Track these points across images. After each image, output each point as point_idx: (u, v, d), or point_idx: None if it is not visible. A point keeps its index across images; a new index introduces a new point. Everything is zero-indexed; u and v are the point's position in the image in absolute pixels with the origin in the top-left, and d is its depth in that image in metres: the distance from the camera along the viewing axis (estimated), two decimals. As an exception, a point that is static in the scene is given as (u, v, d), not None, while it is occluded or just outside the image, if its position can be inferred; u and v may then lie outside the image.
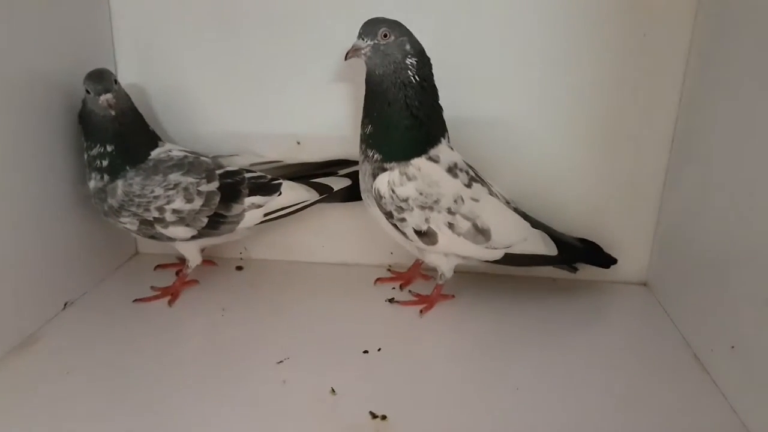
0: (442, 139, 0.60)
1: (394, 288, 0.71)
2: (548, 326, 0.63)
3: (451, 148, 0.61)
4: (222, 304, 0.66)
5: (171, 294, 0.67)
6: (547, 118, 0.68)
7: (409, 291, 0.70)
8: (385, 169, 0.58)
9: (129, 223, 0.62)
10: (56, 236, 0.63)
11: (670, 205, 0.67)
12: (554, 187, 0.70)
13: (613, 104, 0.66)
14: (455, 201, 0.58)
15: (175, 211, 0.62)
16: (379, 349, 0.58)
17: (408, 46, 0.55)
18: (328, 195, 0.67)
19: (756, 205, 0.49)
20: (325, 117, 0.70)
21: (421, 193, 0.57)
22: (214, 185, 0.63)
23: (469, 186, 0.59)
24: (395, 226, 0.59)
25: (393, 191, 0.57)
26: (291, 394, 0.51)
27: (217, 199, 0.63)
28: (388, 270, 0.75)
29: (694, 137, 0.62)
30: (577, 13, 0.63)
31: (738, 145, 0.52)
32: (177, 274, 0.70)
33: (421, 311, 0.65)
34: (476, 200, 0.59)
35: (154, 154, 0.63)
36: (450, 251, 0.61)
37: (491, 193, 0.62)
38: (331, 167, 0.70)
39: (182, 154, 0.64)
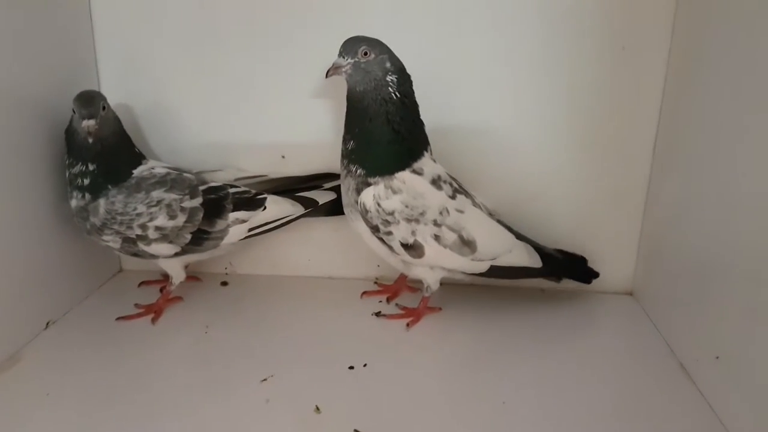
0: (425, 152, 0.60)
1: (380, 301, 0.70)
2: (535, 337, 0.63)
3: (434, 161, 0.61)
4: (206, 322, 0.65)
5: (154, 311, 0.66)
6: (530, 129, 0.68)
7: (396, 304, 0.69)
8: (369, 184, 0.58)
9: (112, 241, 0.62)
10: (38, 254, 0.62)
11: (654, 214, 0.68)
12: (538, 196, 0.70)
13: (596, 115, 0.67)
14: (441, 213, 0.58)
15: (158, 228, 0.61)
16: (365, 365, 0.57)
17: (388, 64, 0.56)
18: (313, 209, 0.67)
19: (738, 214, 0.49)
20: (309, 130, 0.70)
21: (406, 206, 0.57)
22: (198, 201, 0.62)
23: (453, 198, 0.59)
24: (382, 239, 0.59)
25: (379, 205, 0.57)
26: (274, 413, 0.51)
27: (201, 215, 0.62)
28: (375, 283, 0.75)
29: (676, 147, 0.63)
30: (558, 26, 0.64)
31: (719, 154, 0.53)
32: (161, 290, 0.70)
33: (407, 324, 0.64)
34: (461, 211, 0.59)
35: (137, 171, 0.63)
36: (436, 264, 0.61)
37: (475, 204, 0.62)
38: (315, 181, 0.70)
39: (165, 170, 0.64)
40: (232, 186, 0.65)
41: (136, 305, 0.68)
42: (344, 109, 0.58)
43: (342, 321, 0.66)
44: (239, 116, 0.71)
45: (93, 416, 0.50)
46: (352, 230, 0.62)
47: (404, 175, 0.58)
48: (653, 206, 0.68)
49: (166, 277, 0.71)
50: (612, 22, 0.63)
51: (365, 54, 0.55)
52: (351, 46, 0.55)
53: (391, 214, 0.57)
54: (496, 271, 0.62)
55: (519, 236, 0.64)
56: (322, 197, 0.68)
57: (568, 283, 0.69)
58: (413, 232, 0.58)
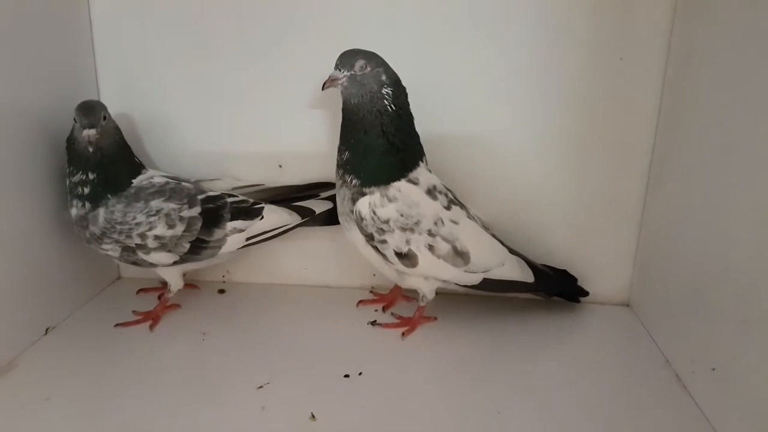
0: (420, 162, 0.60)
1: (376, 310, 0.71)
2: (531, 348, 0.63)
3: (429, 171, 0.61)
4: (203, 328, 0.66)
5: (152, 318, 0.67)
6: (526, 139, 0.68)
7: (392, 313, 0.69)
8: (364, 194, 0.58)
9: (111, 249, 0.62)
10: (38, 261, 0.63)
11: (651, 225, 0.68)
12: (534, 207, 0.70)
13: (593, 125, 0.67)
14: (435, 223, 0.59)
15: (157, 237, 0.62)
16: (360, 373, 0.57)
17: (384, 77, 0.56)
18: (309, 218, 0.68)
19: (735, 225, 0.49)
20: (306, 140, 0.71)
21: (401, 215, 0.58)
22: (196, 210, 0.63)
23: (448, 208, 0.60)
24: (376, 248, 0.60)
25: (374, 213, 0.58)
26: (270, 420, 0.51)
27: (199, 224, 0.63)
28: (371, 292, 0.75)
29: (673, 158, 0.63)
30: (555, 35, 0.65)
31: (716, 165, 0.53)
32: (159, 298, 0.70)
33: (403, 334, 0.65)
34: (455, 222, 0.60)
35: (136, 181, 0.63)
36: (430, 275, 0.62)
37: (470, 216, 0.62)
38: (312, 190, 0.71)
39: (163, 180, 0.64)
40: (230, 195, 0.66)
41: (135, 312, 0.68)
42: (340, 119, 0.59)
43: (338, 329, 0.66)
44: (237, 126, 0.72)
45: (92, 421, 0.51)
46: (348, 240, 0.62)
47: (400, 185, 0.58)
48: (650, 217, 0.68)
49: (164, 285, 0.71)
50: (609, 33, 0.64)
51: (361, 67, 0.55)
52: (347, 59, 0.56)
53: (386, 222, 0.58)
54: (488, 284, 0.62)
55: (512, 251, 0.65)
56: (319, 206, 0.68)
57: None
58: (407, 241, 0.58)
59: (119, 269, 0.80)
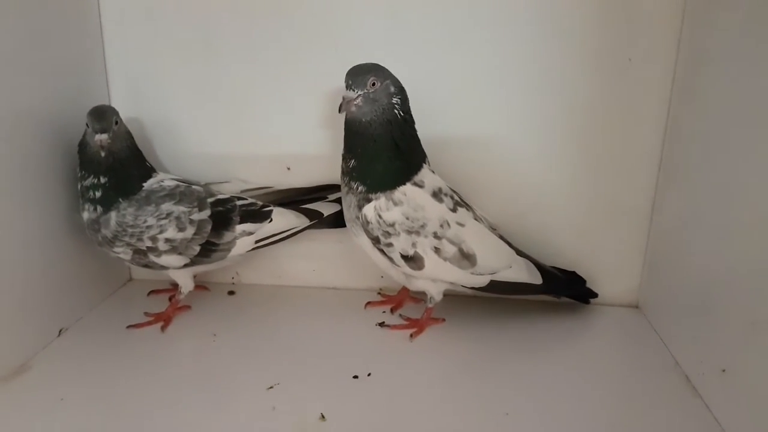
0: (424, 164, 0.60)
1: (384, 312, 0.71)
2: (540, 350, 0.63)
3: (433, 172, 0.61)
4: (214, 329, 0.67)
5: (164, 320, 0.68)
6: (533, 139, 0.68)
7: (400, 315, 0.70)
8: (370, 200, 0.58)
9: (122, 252, 0.63)
10: (51, 264, 0.64)
11: (660, 227, 0.67)
12: (541, 208, 0.70)
13: (601, 127, 0.67)
14: (441, 225, 0.59)
15: (167, 240, 0.62)
16: (369, 374, 0.58)
17: (392, 88, 0.56)
18: (318, 221, 0.68)
19: (744, 226, 0.49)
20: (314, 142, 0.71)
21: (407, 218, 0.58)
22: (206, 213, 0.64)
23: (454, 210, 0.60)
24: (382, 251, 0.60)
25: (380, 216, 0.58)
26: (280, 420, 0.51)
27: (209, 227, 0.64)
28: (379, 293, 0.76)
29: (682, 160, 0.62)
30: (562, 35, 0.64)
31: (725, 167, 0.53)
32: (170, 299, 0.71)
33: (411, 335, 0.65)
34: (462, 225, 0.60)
35: (147, 184, 0.64)
36: (436, 277, 0.62)
37: (476, 218, 0.62)
38: (320, 192, 0.71)
39: (174, 183, 0.65)
40: (239, 198, 0.67)
41: (146, 313, 0.69)
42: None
43: (346, 331, 0.67)
44: (245, 129, 0.72)
45: (105, 420, 0.52)
46: (355, 244, 0.63)
47: (405, 188, 0.58)
48: (659, 219, 0.68)
49: (175, 287, 0.72)
50: (618, 34, 0.63)
51: (373, 84, 0.55)
52: (359, 77, 0.54)
53: (392, 225, 0.58)
54: (495, 286, 0.62)
55: (519, 252, 0.64)
56: (327, 209, 0.69)
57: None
58: (413, 244, 0.59)
59: (131, 271, 0.81)
